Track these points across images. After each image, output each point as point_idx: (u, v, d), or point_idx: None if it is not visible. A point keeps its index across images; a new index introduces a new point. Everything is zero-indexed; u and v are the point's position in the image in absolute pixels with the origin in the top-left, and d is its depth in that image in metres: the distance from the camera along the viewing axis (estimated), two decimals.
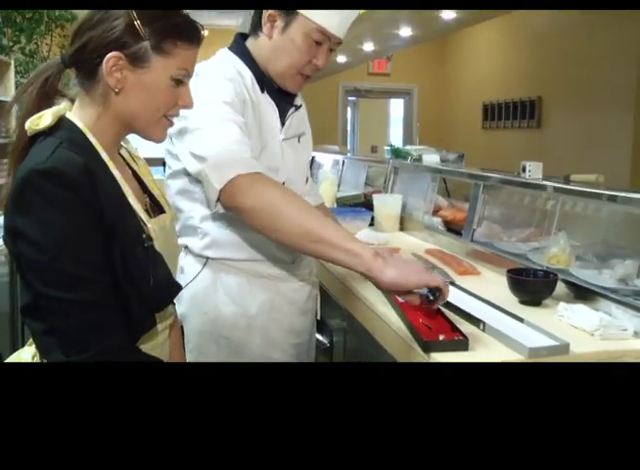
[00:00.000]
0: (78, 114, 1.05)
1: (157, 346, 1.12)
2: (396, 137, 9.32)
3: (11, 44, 5.49)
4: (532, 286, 1.58)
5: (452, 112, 8.66)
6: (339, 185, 3.70)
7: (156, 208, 1.18)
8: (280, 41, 1.47)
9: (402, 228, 2.69)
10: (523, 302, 1.58)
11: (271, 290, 1.57)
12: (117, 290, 0.99)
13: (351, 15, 1.48)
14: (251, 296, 1.55)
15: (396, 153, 2.98)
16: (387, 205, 2.65)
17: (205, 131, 1.37)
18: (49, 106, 1.05)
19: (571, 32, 5.94)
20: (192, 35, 1.04)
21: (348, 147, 9.03)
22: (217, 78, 1.44)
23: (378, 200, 2.67)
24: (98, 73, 1.02)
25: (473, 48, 8.14)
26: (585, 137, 5.79)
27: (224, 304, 1.54)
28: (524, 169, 1.91)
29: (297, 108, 1.62)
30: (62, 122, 1.03)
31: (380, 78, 8.72)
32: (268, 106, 1.53)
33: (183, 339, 1.48)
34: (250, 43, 1.54)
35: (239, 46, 1.55)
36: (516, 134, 7.06)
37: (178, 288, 1.20)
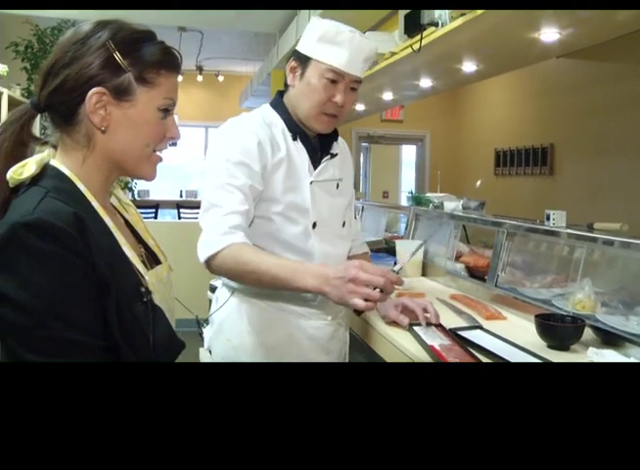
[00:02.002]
0: (62, 160, 0.97)
1: None
2: (408, 183, 9.43)
3: None
4: (562, 331, 1.61)
5: (464, 158, 8.77)
6: None
7: (151, 258, 1.10)
8: (301, 87, 1.60)
9: (424, 274, 2.73)
10: (551, 346, 1.61)
11: (292, 324, 1.64)
12: (113, 353, 0.90)
13: (360, 52, 1.54)
14: (270, 328, 1.63)
15: (417, 200, 3.05)
16: (409, 251, 2.69)
17: (204, 201, 1.52)
18: (23, 154, 0.98)
19: (581, 83, 6.08)
20: (173, 63, 1.00)
21: (361, 191, 9.15)
22: (234, 136, 1.57)
23: (400, 246, 2.73)
24: (79, 113, 0.95)
25: (485, 96, 8.31)
26: (598, 185, 5.85)
27: (246, 332, 1.64)
28: (547, 218, 1.96)
29: (333, 156, 1.70)
30: (46, 170, 0.95)
31: (393, 125, 8.88)
32: (300, 151, 1.63)
33: None
34: (285, 96, 1.67)
35: (276, 99, 1.68)
36: (528, 181, 7.13)
37: (181, 346, 1.04)
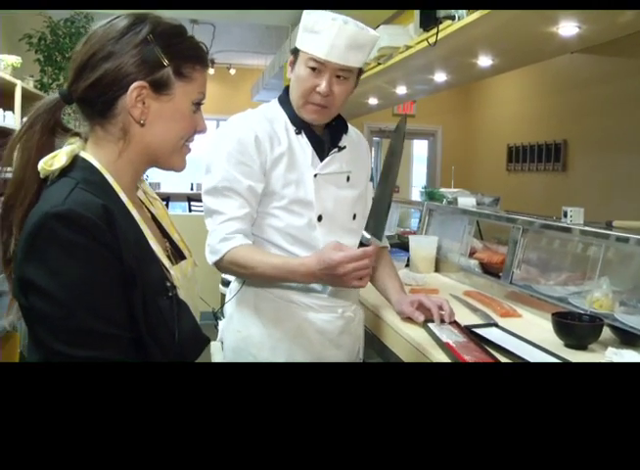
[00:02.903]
0: (93, 152, 0.98)
1: None
2: (419, 178, 9.39)
3: (50, 82, 5.68)
4: (580, 330, 1.59)
5: (476, 153, 8.72)
6: None
7: (176, 253, 1.10)
8: (293, 78, 1.63)
9: (437, 269, 2.71)
10: (568, 345, 1.59)
11: (300, 317, 1.63)
12: (139, 346, 0.91)
13: (341, 38, 1.51)
14: (278, 320, 1.63)
15: (431, 195, 3.02)
16: (423, 246, 2.68)
17: (206, 205, 1.59)
18: (53, 145, 0.99)
19: (595, 78, 6.01)
20: (205, 57, 1.02)
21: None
22: (231, 135, 1.60)
23: (414, 241, 2.71)
24: (116, 107, 0.96)
25: (497, 91, 8.24)
26: (611, 182, 5.79)
27: (254, 324, 1.65)
28: (565, 215, 1.93)
29: (341, 149, 1.69)
30: (76, 162, 0.96)
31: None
32: (303, 145, 1.63)
33: None
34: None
35: (282, 94, 1.70)
36: (541, 177, 7.08)
37: (206, 341, 1.05)
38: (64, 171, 0.94)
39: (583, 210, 1.93)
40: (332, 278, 1.36)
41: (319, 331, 1.65)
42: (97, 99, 0.96)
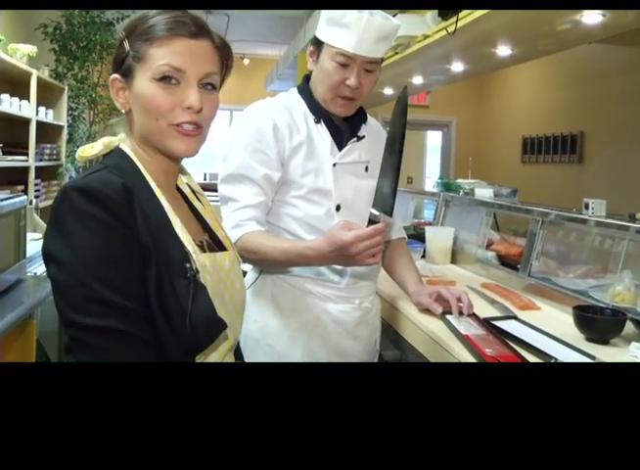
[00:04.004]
0: (127, 142, 1.04)
1: None
2: (433, 169, 9.34)
3: (65, 71, 5.68)
4: (602, 324, 1.57)
5: (491, 144, 8.65)
6: None
7: (215, 246, 1.10)
8: (316, 72, 1.61)
9: (453, 261, 2.69)
10: (589, 339, 1.57)
11: (318, 307, 1.62)
12: (151, 322, 0.91)
13: (370, 31, 1.49)
14: (296, 310, 1.62)
15: (447, 186, 3.00)
16: (439, 237, 2.66)
17: (222, 192, 1.58)
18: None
19: (613, 69, 5.93)
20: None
21: None
22: (250, 122, 1.60)
23: (430, 232, 2.68)
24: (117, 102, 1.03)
25: (513, 82, 8.16)
26: (628, 174, 5.72)
27: (271, 314, 1.63)
28: (586, 207, 1.90)
29: (360, 138, 1.68)
30: (114, 151, 1.02)
31: (418, 110, 8.76)
32: (322, 134, 1.62)
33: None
34: (310, 81, 1.67)
35: (302, 84, 1.69)
36: (556, 169, 7.01)
37: (222, 326, 0.99)
38: (102, 159, 1.00)
39: (605, 202, 1.89)
40: (344, 259, 1.34)
41: (336, 322, 1.64)
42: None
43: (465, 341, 1.49)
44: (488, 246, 2.53)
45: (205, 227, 1.12)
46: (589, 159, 6.50)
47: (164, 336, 0.92)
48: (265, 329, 1.64)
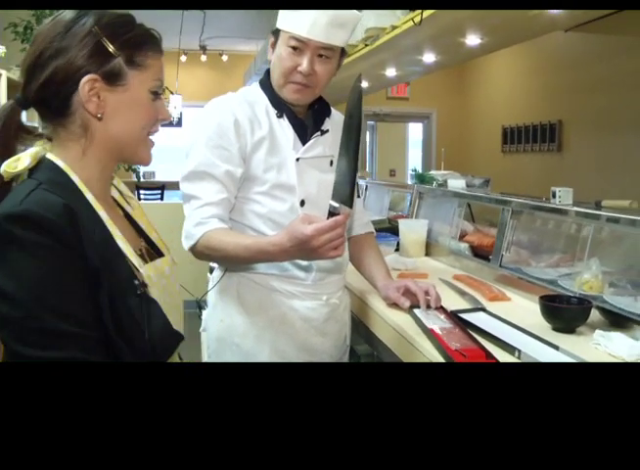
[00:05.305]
0: (58, 152, 0.97)
1: None
2: (415, 161, 9.34)
3: None
4: (567, 313, 1.56)
5: (471, 135, 8.66)
6: None
7: (153, 252, 1.09)
8: (273, 59, 1.59)
9: (428, 253, 2.68)
10: (556, 329, 1.56)
11: (284, 305, 1.61)
12: (108, 345, 0.89)
13: (322, 16, 1.47)
14: (262, 308, 1.61)
15: (421, 178, 2.98)
16: (412, 230, 2.65)
17: (183, 190, 1.56)
18: (14, 150, 0.97)
19: (590, 57, 5.95)
20: (158, 44, 1.01)
21: (367, 170, 9.06)
22: (211, 117, 1.57)
23: (404, 225, 2.67)
24: (72, 104, 0.95)
25: (491, 72, 8.17)
26: (606, 162, 5.75)
27: (237, 312, 1.62)
28: (554, 195, 1.89)
29: (324, 132, 1.66)
30: (42, 163, 0.95)
31: (398, 103, 8.76)
32: (285, 128, 1.60)
33: None
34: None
35: (264, 77, 1.66)
36: (536, 158, 7.04)
37: (178, 339, 1.04)
38: (30, 173, 0.94)
39: (572, 190, 1.89)
40: (306, 253, 1.31)
41: (304, 319, 1.63)
42: (52, 98, 0.95)
43: (430, 335, 1.48)
44: (462, 237, 2.52)
45: (140, 232, 1.11)
46: (568, 147, 6.53)
47: (123, 355, 0.91)
48: (231, 328, 1.63)
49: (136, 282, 0.95)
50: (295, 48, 1.52)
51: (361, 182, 4.01)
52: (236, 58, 9.38)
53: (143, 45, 0.98)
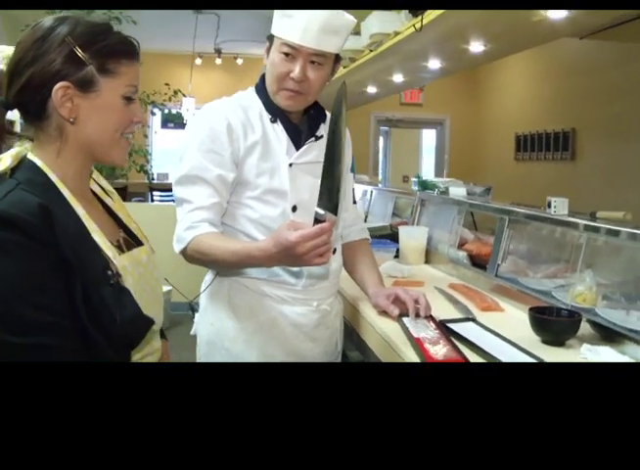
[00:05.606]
0: (37, 152, 1.03)
1: None
2: (428, 167, 9.30)
3: None
4: (555, 325, 1.53)
5: (484, 142, 8.61)
6: (367, 216, 3.70)
7: (132, 242, 1.16)
8: (267, 65, 1.58)
9: (428, 261, 2.65)
10: (545, 341, 1.53)
11: (274, 310, 1.60)
12: (82, 331, 0.96)
13: (314, 22, 1.47)
14: (252, 313, 1.60)
15: (424, 185, 2.96)
16: (412, 237, 2.63)
17: (176, 194, 1.56)
18: None
19: (605, 64, 5.88)
20: (132, 51, 1.06)
21: (380, 177, 9.03)
22: (204, 122, 1.57)
23: (403, 232, 2.65)
24: (47, 108, 1.01)
25: (505, 79, 8.12)
26: (621, 171, 5.68)
27: (228, 317, 1.61)
28: (549, 205, 1.87)
29: (318, 138, 1.65)
30: (23, 163, 1.02)
31: (412, 108, 8.74)
32: (279, 134, 1.60)
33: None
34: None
35: (259, 82, 1.65)
36: (549, 166, 6.97)
37: (149, 324, 1.11)
38: (12, 172, 1.00)
39: (567, 200, 1.86)
40: (291, 259, 1.31)
41: (293, 324, 1.62)
42: (29, 103, 1.01)
43: (415, 344, 1.46)
44: (462, 245, 2.50)
45: (120, 223, 1.17)
46: (581, 155, 6.46)
47: (97, 341, 0.98)
48: (221, 332, 1.62)
49: (109, 273, 1.01)
50: (287, 54, 1.51)
51: (367, 188, 4.00)
52: (250, 61, 9.41)
53: (116, 53, 1.03)
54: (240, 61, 9.30)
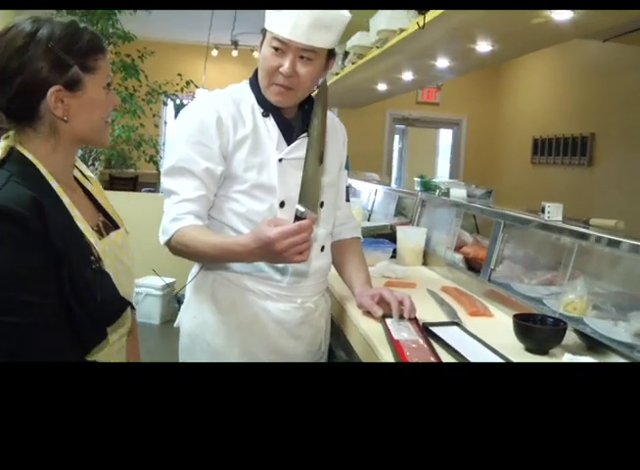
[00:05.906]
0: (27, 145, 1.09)
1: (111, 353, 1.19)
2: (444, 167, 9.23)
3: None
4: (539, 333, 1.49)
5: (501, 144, 8.51)
6: (370, 214, 3.67)
7: (110, 225, 1.25)
8: (259, 59, 1.56)
9: (425, 262, 2.62)
10: (529, 349, 1.50)
11: (257, 305, 1.59)
12: (67, 309, 1.05)
13: (303, 17, 1.44)
14: (235, 307, 1.59)
15: (426, 185, 2.93)
16: (409, 238, 2.59)
17: (164, 185, 1.56)
18: None
19: (627, 69, 5.78)
20: (102, 45, 1.14)
21: (394, 176, 8.97)
22: (194, 114, 1.56)
23: (401, 232, 2.62)
24: (40, 110, 1.07)
25: (525, 80, 8.02)
26: (638, 178, 5.57)
27: (210, 311, 1.61)
28: (543, 210, 1.82)
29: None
30: (12, 155, 1.07)
31: (428, 107, 8.66)
32: (270, 128, 1.58)
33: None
34: None
35: (252, 76, 1.63)
36: (566, 171, 6.86)
37: (125, 304, 1.22)
38: (1, 164, 1.05)
39: (562, 205, 1.81)
40: (271, 255, 1.30)
41: (276, 321, 1.60)
42: (20, 109, 1.07)
43: (393, 347, 1.44)
44: (460, 248, 2.46)
45: (99, 208, 1.25)
46: (599, 162, 6.35)
47: (79, 317, 1.06)
48: (203, 325, 1.62)
49: (92, 258, 1.10)
50: (277, 49, 1.49)
51: (372, 186, 3.96)
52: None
53: (93, 50, 1.10)
54: (256, 54, 9.23)
